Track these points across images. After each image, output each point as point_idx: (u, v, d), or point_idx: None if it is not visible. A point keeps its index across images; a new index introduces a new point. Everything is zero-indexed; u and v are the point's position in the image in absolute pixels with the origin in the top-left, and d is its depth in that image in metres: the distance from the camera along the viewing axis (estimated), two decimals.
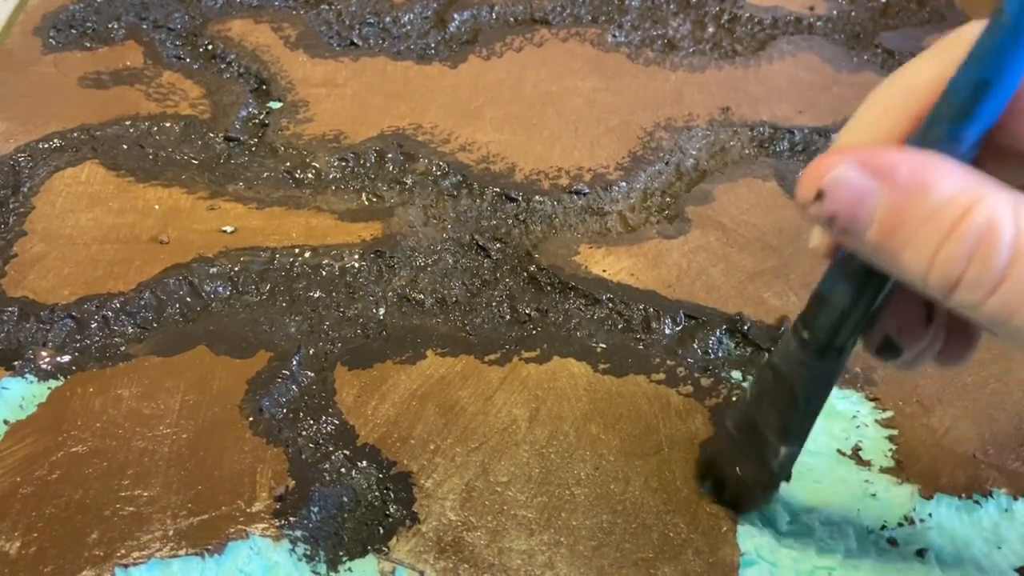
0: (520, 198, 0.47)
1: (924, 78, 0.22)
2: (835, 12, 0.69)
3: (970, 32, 0.21)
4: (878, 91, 0.23)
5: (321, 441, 0.35)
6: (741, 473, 0.31)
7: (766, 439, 0.29)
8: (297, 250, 0.44)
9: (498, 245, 0.45)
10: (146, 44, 0.61)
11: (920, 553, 0.31)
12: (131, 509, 0.32)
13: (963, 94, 0.21)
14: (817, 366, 0.27)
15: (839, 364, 0.27)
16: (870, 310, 0.25)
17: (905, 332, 0.25)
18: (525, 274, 0.43)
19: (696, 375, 0.38)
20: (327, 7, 0.66)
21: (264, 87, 0.57)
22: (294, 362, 0.38)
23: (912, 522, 0.32)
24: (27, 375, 0.37)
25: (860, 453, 0.35)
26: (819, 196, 0.21)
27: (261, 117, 0.55)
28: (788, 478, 0.30)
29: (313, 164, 0.50)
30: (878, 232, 0.21)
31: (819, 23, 0.67)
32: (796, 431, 0.29)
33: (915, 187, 0.20)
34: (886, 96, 0.23)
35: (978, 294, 0.20)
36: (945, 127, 0.21)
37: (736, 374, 0.38)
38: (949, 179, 0.20)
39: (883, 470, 0.34)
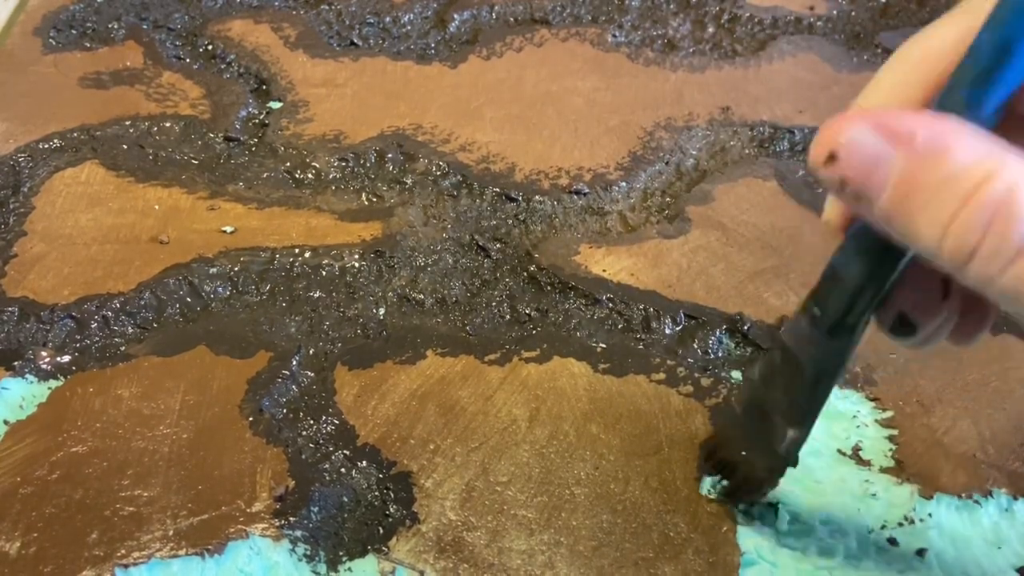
0: (520, 198, 0.47)
1: (944, 42, 0.22)
2: (835, 12, 0.69)
3: None
4: (898, 55, 0.23)
5: (321, 441, 0.35)
6: (747, 456, 0.31)
7: (773, 421, 0.28)
8: (297, 250, 0.44)
9: (498, 245, 0.45)
10: (146, 44, 0.61)
11: (920, 553, 0.31)
12: (131, 509, 0.32)
13: (984, 57, 0.20)
14: (828, 345, 0.26)
15: (851, 343, 0.26)
16: (885, 286, 0.24)
17: (921, 308, 0.24)
18: (525, 274, 0.43)
19: (696, 375, 0.38)
20: (327, 7, 0.66)
21: (264, 87, 0.57)
22: (294, 362, 0.38)
23: (912, 522, 0.32)
24: (27, 375, 0.37)
25: (860, 453, 0.35)
26: (831, 158, 0.20)
27: (261, 117, 0.55)
28: (795, 463, 0.30)
29: (313, 164, 0.50)
30: (891, 198, 0.20)
31: (819, 23, 0.67)
32: (805, 414, 0.28)
33: (932, 152, 0.19)
34: (906, 60, 0.23)
35: (994, 266, 0.19)
36: (965, 92, 0.20)
37: (736, 374, 0.38)
38: (968, 145, 0.19)
39: (883, 470, 0.34)
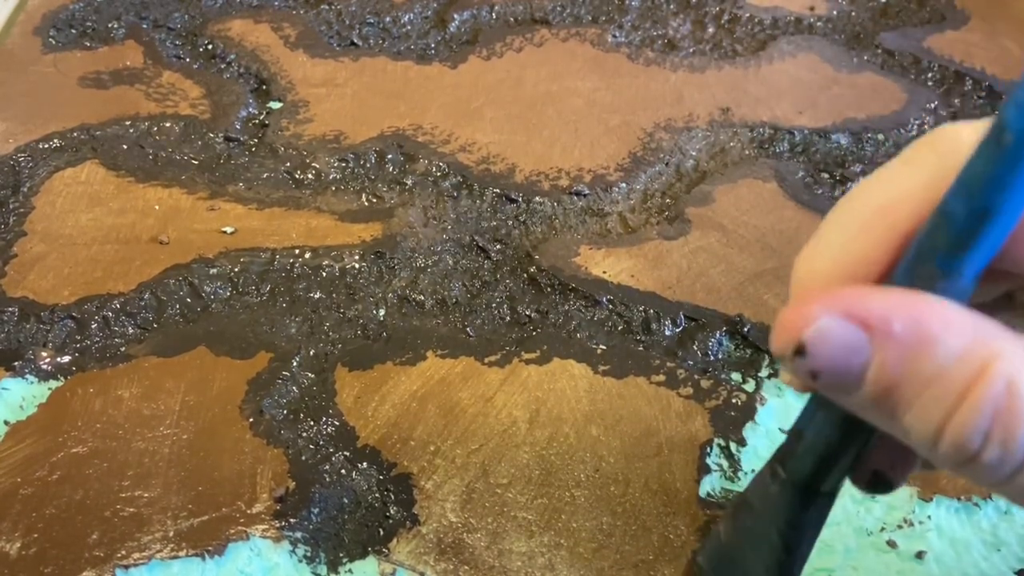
0: (520, 199, 0.47)
1: (902, 194, 0.19)
2: (835, 12, 0.69)
3: (947, 139, 0.19)
4: (846, 207, 0.20)
5: (321, 442, 0.35)
6: None
7: None
8: (297, 251, 0.44)
9: (498, 246, 0.45)
10: (146, 44, 0.61)
11: (919, 555, 0.32)
12: (131, 510, 0.32)
13: (959, 224, 0.17)
14: (800, 511, 0.23)
15: (828, 504, 0.23)
16: (859, 451, 0.21)
17: (898, 466, 0.22)
18: (525, 275, 0.43)
19: (696, 377, 0.38)
20: (327, 7, 0.66)
21: (264, 87, 0.57)
22: (294, 363, 0.38)
23: (911, 524, 0.33)
24: (27, 375, 0.37)
25: None
26: (799, 351, 0.18)
27: (261, 117, 0.55)
28: None
29: (313, 164, 0.50)
30: (871, 394, 0.17)
31: (819, 23, 0.67)
32: (786, 574, 0.25)
33: (914, 342, 0.17)
34: (857, 214, 0.20)
35: (1000, 473, 0.17)
36: (939, 261, 0.18)
37: (736, 375, 0.38)
38: (954, 330, 0.17)
39: None
